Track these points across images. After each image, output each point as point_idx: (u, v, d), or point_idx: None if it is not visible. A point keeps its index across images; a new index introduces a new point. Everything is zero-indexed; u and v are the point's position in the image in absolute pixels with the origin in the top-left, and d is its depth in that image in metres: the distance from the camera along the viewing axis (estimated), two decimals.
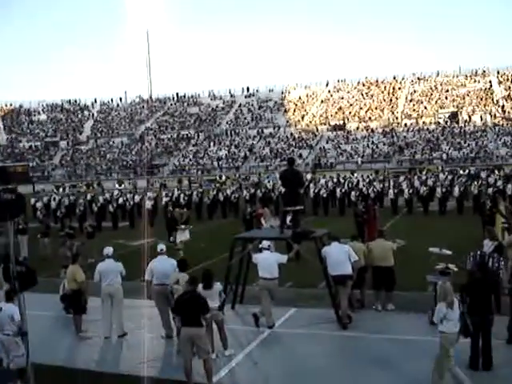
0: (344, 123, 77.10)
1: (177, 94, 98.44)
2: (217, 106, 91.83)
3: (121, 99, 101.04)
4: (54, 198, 37.08)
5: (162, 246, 12.25)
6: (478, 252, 11.77)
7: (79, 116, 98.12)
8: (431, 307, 11.80)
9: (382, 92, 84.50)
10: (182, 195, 36.38)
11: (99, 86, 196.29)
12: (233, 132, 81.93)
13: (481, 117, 71.35)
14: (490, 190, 30.03)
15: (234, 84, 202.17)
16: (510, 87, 77.57)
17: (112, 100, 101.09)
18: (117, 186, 58.21)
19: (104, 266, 11.96)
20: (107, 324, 11.87)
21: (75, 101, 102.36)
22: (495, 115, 71.15)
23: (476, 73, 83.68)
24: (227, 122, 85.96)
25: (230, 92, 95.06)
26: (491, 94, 77.27)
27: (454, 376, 8.62)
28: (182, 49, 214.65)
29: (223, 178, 59.57)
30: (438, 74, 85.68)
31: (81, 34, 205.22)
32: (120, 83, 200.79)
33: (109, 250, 12.23)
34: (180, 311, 9.26)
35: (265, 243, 12.29)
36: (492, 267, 11.27)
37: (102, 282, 11.85)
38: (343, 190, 34.72)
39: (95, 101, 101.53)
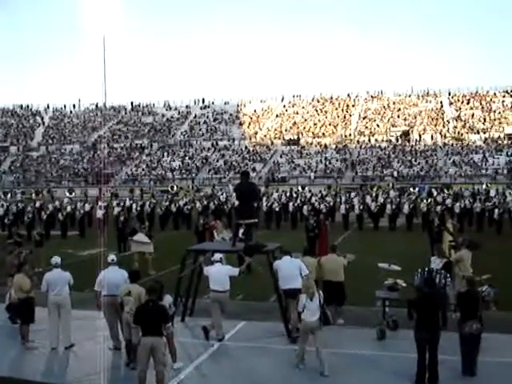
0: (298, 138, 77.79)
1: (131, 102, 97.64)
2: (172, 117, 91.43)
3: (74, 106, 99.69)
4: (2, 205, 36.25)
5: (112, 257, 12.06)
6: (426, 268, 12.02)
7: (31, 122, 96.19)
8: (379, 323, 12.01)
9: (336, 109, 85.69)
10: (133, 205, 36.05)
11: (52, 92, 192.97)
12: (187, 143, 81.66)
13: (431, 136, 73.10)
14: (439, 208, 30.72)
15: (189, 95, 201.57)
16: (460, 108, 79.80)
17: (65, 106, 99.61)
18: (67, 194, 57.19)
19: (51, 276, 11.72)
20: (54, 334, 11.62)
21: (27, 106, 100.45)
22: (445, 135, 73.01)
23: (428, 93, 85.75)
24: (182, 133, 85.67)
25: (185, 103, 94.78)
26: (442, 114, 79.30)
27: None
28: (138, 58, 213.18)
29: (175, 188, 59.18)
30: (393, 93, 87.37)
31: (34, 38, 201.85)
32: (74, 90, 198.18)
33: (57, 259, 12.00)
34: (140, 321, 9.17)
35: (217, 256, 12.27)
36: (439, 283, 11.51)
37: (50, 291, 11.61)
38: (296, 205, 34.98)
39: (48, 107, 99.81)
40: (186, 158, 76.88)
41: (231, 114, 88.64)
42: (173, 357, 10.31)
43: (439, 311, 9.82)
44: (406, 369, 9.91)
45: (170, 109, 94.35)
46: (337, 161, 70.00)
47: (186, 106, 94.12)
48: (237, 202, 14.21)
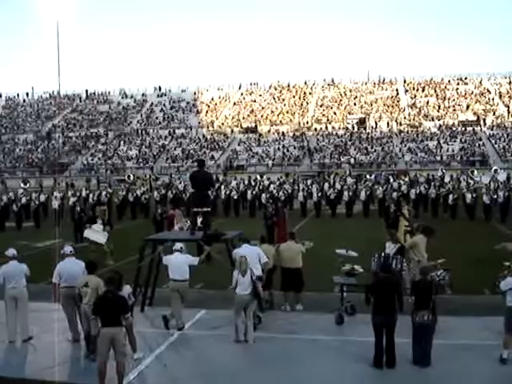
0: (256, 126, 77.82)
1: (86, 91, 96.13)
2: (128, 105, 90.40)
3: (27, 94, 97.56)
4: None
5: (69, 248, 11.91)
6: (382, 253, 12.21)
7: None
8: (337, 308, 12.18)
9: (293, 96, 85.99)
10: (90, 195, 35.56)
11: (4, 80, 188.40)
12: (144, 131, 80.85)
13: (387, 123, 74.04)
14: (395, 194, 31.19)
15: (145, 83, 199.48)
16: (415, 95, 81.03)
17: (18, 95, 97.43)
18: (21, 184, 55.96)
19: (7, 268, 11.48)
20: (12, 328, 11.40)
21: None
22: (401, 122, 74.04)
23: (384, 81, 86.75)
24: (138, 122, 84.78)
25: (141, 91, 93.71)
26: (397, 101, 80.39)
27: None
28: (92, 45, 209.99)
29: (132, 177, 58.55)
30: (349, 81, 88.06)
31: None
32: (27, 78, 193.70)
33: (12, 251, 11.76)
34: (100, 311, 9.08)
35: (177, 245, 12.22)
36: (395, 268, 11.71)
37: (6, 284, 11.36)
38: (254, 192, 35.04)
39: (0, 95, 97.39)
40: (143, 146, 76.17)
41: (188, 102, 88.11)
42: (133, 347, 10.25)
43: (395, 295, 10.00)
44: (364, 353, 10.08)
45: (126, 97, 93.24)
46: (294, 148, 70.32)
47: (142, 94, 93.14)
48: (192, 191, 14.22)
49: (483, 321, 11.83)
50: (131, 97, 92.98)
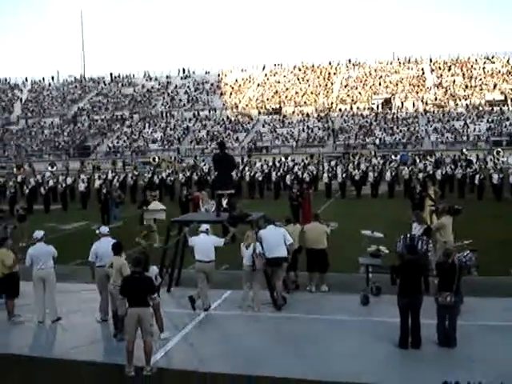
0: (280, 107, 77.50)
1: (111, 74, 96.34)
2: (152, 87, 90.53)
3: (53, 78, 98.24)
4: None
5: (106, 228, 12.19)
6: (408, 235, 12.16)
7: (9, 95, 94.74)
8: (363, 289, 12.20)
9: (318, 77, 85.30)
10: (116, 177, 35.90)
11: (30, 64, 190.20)
12: (168, 114, 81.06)
13: (413, 103, 73.17)
14: (421, 175, 30.97)
15: (169, 65, 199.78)
16: (441, 75, 79.79)
17: (43, 79, 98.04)
18: (49, 167, 56.70)
19: (35, 250, 11.69)
20: (40, 308, 11.63)
21: (5, 79, 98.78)
22: (427, 102, 73.11)
23: (409, 60, 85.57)
24: (162, 104, 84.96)
25: (165, 73, 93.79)
26: (423, 81, 79.29)
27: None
28: (116, 28, 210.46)
29: (157, 159, 58.87)
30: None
31: (10, 10, 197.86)
32: (52, 62, 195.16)
33: (39, 233, 11.97)
34: (127, 292, 9.22)
35: (203, 226, 12.32)
36: (421, 249, 11.66)
37: (34, 266, 11.58)
38: (279, 174, 35.04)
39: (26, 80, 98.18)
40: (168, 128, 76.41)
41: (212, 84, 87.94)
42: (160, 327, 10.40)
43: (421, 277, 9.97)
44: (389, 333, 10.10)
45: (150, 79, 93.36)
46: (319, 129, 69.96)
47: (167, 77, 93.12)
48: (215, 173, 14.32)
49: (509, 302, 11.78)
50: (155, 79, 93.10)
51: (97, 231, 12.29)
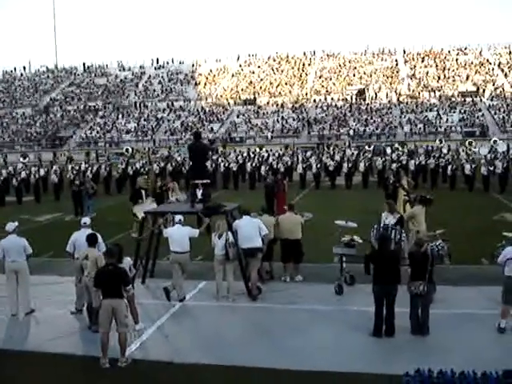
0: (254, 98, 77.42)
1: (84, 64, 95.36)
2: (125, 78, 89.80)
3: (24, 68, 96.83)
4: None
5: (87, 219, 12.08)
6: (382, 224, 12.26)
7: None
8: (337, 278, 12.28)
9: (292, 68, 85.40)
10: (89, 168, 35.57)
11: (1, 54, 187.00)
12: (142, 104, 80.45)
13: (386, 94, 73.63)
14: (394, 166, 31.21)
15: (143, 55, 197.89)
16: (414, 66, 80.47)
17: (15, 69, 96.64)
18: (21, 159, 55.87)
19: (7, 242, 11.51)
20: (13, 301, 11.48)
21: None
22: (400, 93, 73.62)
23: (383, 51, 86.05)
24: (136, 94, 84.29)
25: (139, 63, 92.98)
26: (397, 72, 79.84)
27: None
28: (89, 17, 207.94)
29: (130, 150, 58.32)
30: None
31: None
32: (24, 52, 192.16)
33: (11, 225, 11.78)
34: (101, 283, 9.16)
35: (177, 217, 12.29)
36: (394, 238, 11.78)
37: (6, 258, 11.42)
38: (253, 165, 35.03)
39: None
40: (141, 119, 75.86)
41: (186, 74, 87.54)
42: (135, 319, 10.36)
43: (395, 265, 10.07)
44: (363, 322, 10.20)
45: (124, 69, 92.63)
46: (293, 120, 70.06)
47: (140, 67, 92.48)
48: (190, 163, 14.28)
49: (481, 290, 11.94)
50: (129, 69, 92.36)
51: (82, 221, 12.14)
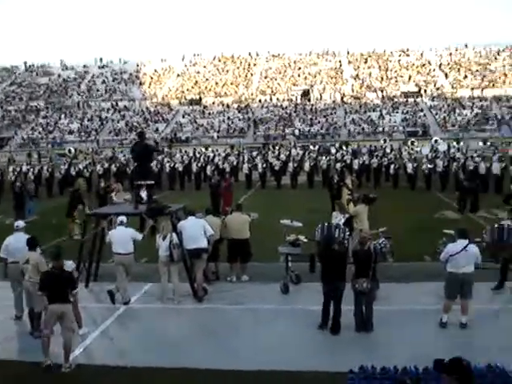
0: (200, 98, 77.15)
1: (25, 63, 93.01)
2: (68, 77, 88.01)
3: None
4: None
5: (21, 223, 11.70)
6: (326, 223, 12.39)
7: None
8: (283, 277, 12.34)
9: (238, 68, 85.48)
10: (31, 170, 34.75)
11: None
12: (85, 104, 79.04)
13: (331, 94, 74.51)
14: (338, 165, 31.59)
15: (86, 54, 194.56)
16: (358, 67, 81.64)
17: None
18: None
19: None
20: None
21: None
22: (344, 93, 74.62)
23: (327, 52, 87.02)
24: (79, 94, 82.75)
25: (82, 63, 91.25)
26: (341, 73, 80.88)
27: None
28: (31, 15, 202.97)
29: (73, 151, 57.24)
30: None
31: None
32: None
33: None
34: (46, 287, 8.93)
35: (120, 218, 12.13)
36: (338, 237, 11.91)
37: None
38: (199, 165, 34.89)
39: None
40: (85, 119, 74.52)
41: (131, 74, 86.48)
42: (78, 323, 10.15)
43: (342, 263, 10.19)
44: (309, 320, 10.30)
45: (67, 68, 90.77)
46: (239, 120, 70.13)
47: (84, 66, 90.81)
48: (135, 164, 14.08)
49: (424, 286, 12.22)
50: (72, 68, 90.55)
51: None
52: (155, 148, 14.60)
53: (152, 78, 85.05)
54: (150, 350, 9.51)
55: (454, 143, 49.76)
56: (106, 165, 37.28)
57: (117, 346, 9.90)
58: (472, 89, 72.31)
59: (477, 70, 77.25)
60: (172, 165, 34.72)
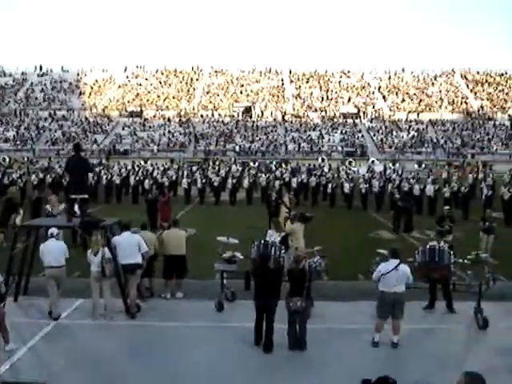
0: (141, 110, 76.52)
1: None
2: (6, 84, 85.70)
3: None
4: None
5: None
6: (262, 241, 12.42)
7: None
8: (218, 295, 12.29)
9: (180, 82, 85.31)
10: None
11: None
12: (22, 112, 77.08)
13: (272, 112, 75.25)
14: (277, 183, 31.81)
15: (25, 61, 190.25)
16: (300, 86, 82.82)
17: None
18: None
19: None
20: None
21: None
22: (285, 112, 75.47)
23: (270, 70, 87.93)
24: (16, 102, 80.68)
25: (21, 69, 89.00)
26: (283, 91, 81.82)
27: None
28: None
29: (7, 160, 55.60)
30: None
31: None
32: None
33: None
34: None
35: (54, 230, 11.84)
36: (274, 255, 11.94)
37: None
38: (137, 178, 34.41)
39: None
40: (21, 128, 72.61)
41: (71, 83, 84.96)
42: (5, 338, 9.81)
43: (276, 281, 10.22)
44: (242, 338, 10.29)
45: (4, 75, 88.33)
46: (180, 134, 69.86)
47: (22, 73, 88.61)
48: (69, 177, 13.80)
49: (357, 305, 12.40)
50: (10, 75, 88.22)
51: None
52: (90, 165, 14.35)
53: (92, 88, 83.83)
54: (80, 369, 9.26)
55: (390, 164, 50.95)
56: (41, 175, 36.35)
57: (46, 363, 9.60)
58: (409, 112, 74.52)
59: (414, 94, 79.67)
60: (109, 177, 34.12)
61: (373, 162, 51.39)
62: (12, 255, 12.76)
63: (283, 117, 74.06)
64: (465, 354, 9.80)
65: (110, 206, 30.35)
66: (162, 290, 13.27)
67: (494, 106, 76.31)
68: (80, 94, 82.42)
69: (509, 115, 73.19)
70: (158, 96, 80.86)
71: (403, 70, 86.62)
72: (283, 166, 47.03)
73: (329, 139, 67.57)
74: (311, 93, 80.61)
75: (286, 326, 10.10)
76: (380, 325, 10.32)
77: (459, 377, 4.80)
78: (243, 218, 24.91)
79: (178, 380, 8.71)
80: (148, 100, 79.69)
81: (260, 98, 79.66)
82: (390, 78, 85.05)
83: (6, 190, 30.20)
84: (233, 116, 74.92)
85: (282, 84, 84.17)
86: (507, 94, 79.44)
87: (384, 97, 79.61)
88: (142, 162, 48.98)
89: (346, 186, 31.25)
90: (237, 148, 65.57)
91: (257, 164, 50.38)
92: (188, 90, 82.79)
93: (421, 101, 77.62)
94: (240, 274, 12.07)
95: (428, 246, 12.16)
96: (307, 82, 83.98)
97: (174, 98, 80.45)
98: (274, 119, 73.79)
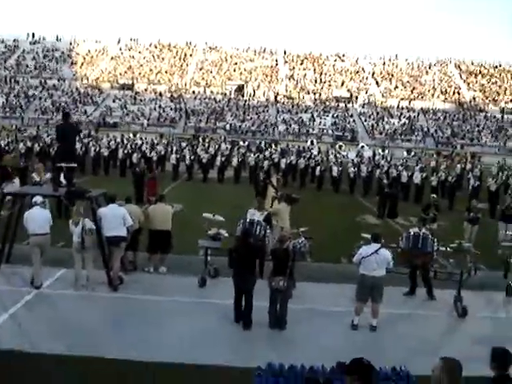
0: (133, 83, 75.90)
1: None
2: None
3: None
4: None
5: None
6: (248, 219, 12.46)
7: None
8: (201, 271, 12.33)
9: (174, 57, 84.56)
10: None
11: None
12: (13, 79, 76.20)
13: (264, 92, 74.92)
14: (266, 163, 31.81)
15: (18, 28, 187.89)
16: (293, 68, 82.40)
17: None
18: None
19: None
20: None
21: None
22: (278, 92, 75.17)
23: (264, 50, 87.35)
24: (7, 68, 79.69)
25: (13, 36, 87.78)
26: (276, 72, 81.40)
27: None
28: None
29: None
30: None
31: None
32: None
33: None
34: None
35: (38, 198, 11.79)
36: (259, 234, 11.99)
37: None
38: (126, 151, 34.27)
39: None
40: (11, 95, 71.86)
41: (63, 52, 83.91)
42: None
43: (256, 260, 10.26)
44: (222, 315, 10.36)
45: None
46: (171, 109, 69.46)
47: (14, 40, 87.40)
48: (58, 145, 13.67)
49: (339, 288, 12.47)
50: (1, 42, 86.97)
51: None
52: (80, 129, 14.25)
53: (85, 58, 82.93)
54: (60, 337, 9.24)
55: (380, 150, 51.08)
56: (29, 144, 36.12)
57: (26, 331, 9.58)
58: (401, 99, 74.44)
59: (407, 81, 79.57)
60: (97, 149, 33.95)
61: (362, 147, 51.52)
62: None
63: (275, 97, 73.76)
64: (442, 340, 9.91)
65: (98, 177, 30.26)
66: (145, 264, 13.31)
67: (487, 98, 76.43)
68: (72, 63, 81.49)
69: (500, 107, 73.36)
70: (151, 70, 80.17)
71: (396, 57, 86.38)
72: (273, 146, 46.99)
73: (320, 122, 67.45)
74: (305, 75, 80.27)
75: (268, 305, 10.16)
76: (359, 308, 10.40)
77: (436, 362, 4.86)
78: (230, 197, 24.91)
79: (151, 353, 8.72)
80: (140, 73, 79.01)
81: (253, 77, 79.22)
82: (384, 63, 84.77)
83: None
84: (225, 94, 74.52)
85: (276, 64, 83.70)
86: (500, 86, 79.54)
87: (377, 82, 79.45)
88: (132, 136, 48.76)
89: (335, 170, 31.31)
90: (227, 126, 65.31)
91: (246, 143, 50.31)
92: (181, 66, 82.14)
93: (414, 88, 77.56)
94: (224, 251, 12.08)
95: (412, 233, 12.25)
96: (301, 64, 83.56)
97: (166, 72, 79.81)
98: (267, 99, 73.47)
